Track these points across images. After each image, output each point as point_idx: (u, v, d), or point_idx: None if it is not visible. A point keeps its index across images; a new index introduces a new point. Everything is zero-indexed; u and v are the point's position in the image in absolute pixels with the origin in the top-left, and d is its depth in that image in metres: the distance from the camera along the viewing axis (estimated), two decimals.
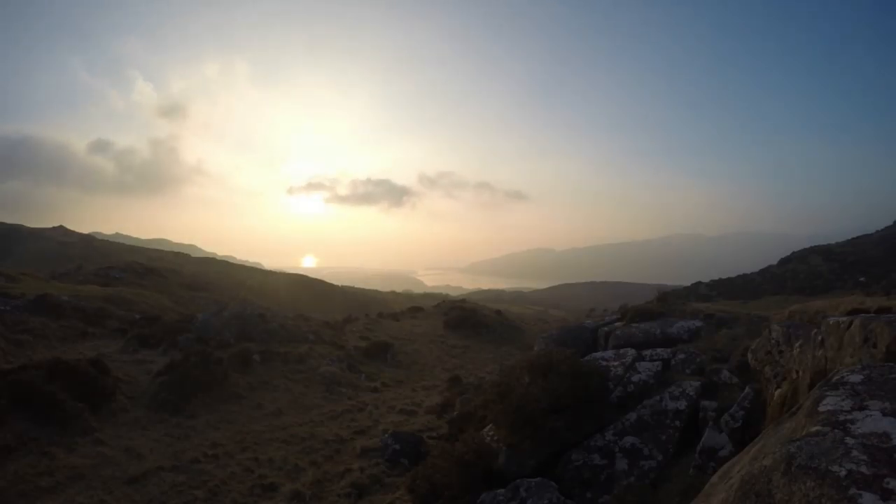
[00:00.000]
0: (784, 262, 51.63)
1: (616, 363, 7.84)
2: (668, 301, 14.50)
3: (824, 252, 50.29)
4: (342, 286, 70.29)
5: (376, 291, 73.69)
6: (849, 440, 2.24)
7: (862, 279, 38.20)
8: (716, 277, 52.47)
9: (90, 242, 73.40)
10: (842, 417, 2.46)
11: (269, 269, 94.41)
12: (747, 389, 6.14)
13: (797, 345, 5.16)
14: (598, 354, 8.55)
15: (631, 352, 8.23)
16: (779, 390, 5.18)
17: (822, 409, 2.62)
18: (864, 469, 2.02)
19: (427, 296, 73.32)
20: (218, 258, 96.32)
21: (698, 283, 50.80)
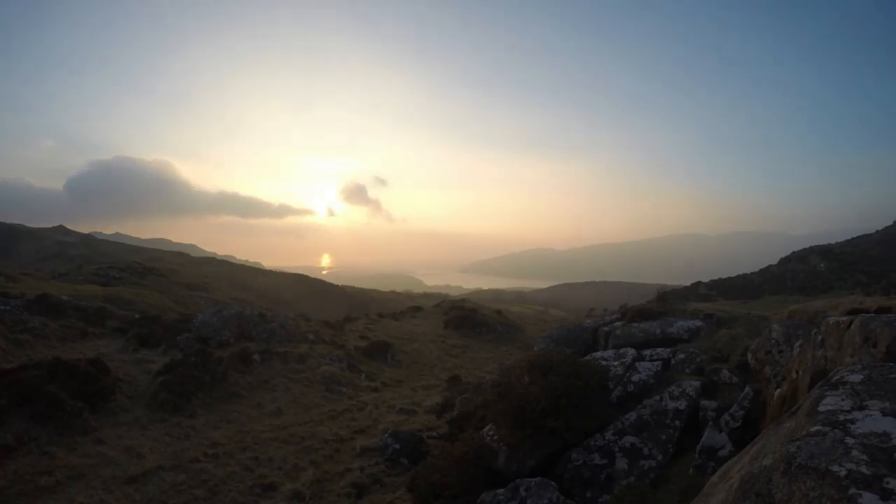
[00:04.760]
0: (784, 262, 51.66)
1: (616, 363, 7.85)
2: (667, 301, 14.50)
3: (824, 252, 50.30)
4: (342, 286, 70.41)
5: (376, 291, 73.74)
6: (849, 440, 2.24)
7: (862, 279, 38.21)
8: (716, 277, 52.48)
9: (90, 242, 73.45)
10: (842, 417, 2.45)
11: (269, 268, 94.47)
12: (747, 389, 6.15)
13: (797, 345, 5.16)
14: (598, 354, 8.55)
15: (631, 351, 8.24)
16: (779, 390, 5.18)
17: (822, 408, 2.61)
18: (864, 469, 2.02)
19: (427, 296, 73.41)
20: (218, 258, 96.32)
21: (698, 283, 50.79)
